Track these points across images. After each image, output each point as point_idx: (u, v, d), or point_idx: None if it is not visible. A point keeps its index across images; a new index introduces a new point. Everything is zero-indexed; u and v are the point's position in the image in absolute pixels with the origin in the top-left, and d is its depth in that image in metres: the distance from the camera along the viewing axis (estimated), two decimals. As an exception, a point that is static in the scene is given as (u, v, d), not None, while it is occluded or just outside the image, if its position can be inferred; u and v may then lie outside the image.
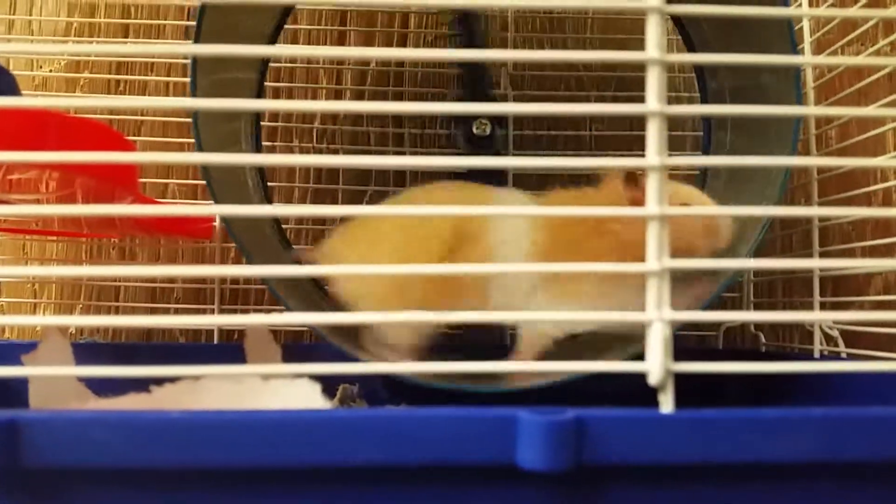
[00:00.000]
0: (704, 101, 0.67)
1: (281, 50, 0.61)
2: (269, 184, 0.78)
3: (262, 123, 0.80)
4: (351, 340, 0.56)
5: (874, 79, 0.61)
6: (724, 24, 0.60)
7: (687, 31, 0.68)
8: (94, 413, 0.29)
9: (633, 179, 0.51)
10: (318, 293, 0.65)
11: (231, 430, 0.28)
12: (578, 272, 0.50)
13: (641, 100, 0.31)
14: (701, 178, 0.66)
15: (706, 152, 0.67)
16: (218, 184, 0.51)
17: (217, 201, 0.51)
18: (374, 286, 0.54)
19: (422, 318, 0.37)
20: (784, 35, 0.50)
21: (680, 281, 0.51)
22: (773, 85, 0.54)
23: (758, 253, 0.51)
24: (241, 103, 0.34)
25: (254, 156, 0.52)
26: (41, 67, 0.83)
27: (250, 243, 0.54)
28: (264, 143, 0.80)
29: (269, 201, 0.67)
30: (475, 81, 0.71)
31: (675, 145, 0.68)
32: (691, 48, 0.66)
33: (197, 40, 0.50)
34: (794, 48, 0.51)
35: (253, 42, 0.61)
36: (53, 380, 0.43)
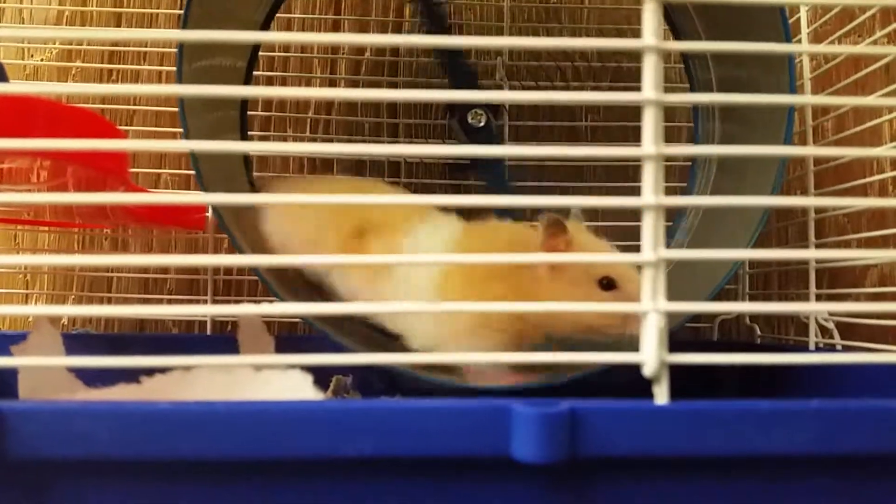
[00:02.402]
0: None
1: (273, 36, 0.60)
2: (261, 174, 0.77)
3: (255, 113, 0.80)
4: (344, 331, 0.56)
5: (871, 70, 0.61)
6: (715, 19, 0.59)
7: (676, 26, 0.67)
8: (79, 404, 0.28)
9: (559, 226, 0.50)
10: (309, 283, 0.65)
11: (221, 422, 0.27)
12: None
13: (637, 90, 0.31)
14: (692, 170, 0.66)
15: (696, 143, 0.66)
16: (207, 177, 0.50)
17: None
18: None
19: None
20: (777, 29, 0.50)
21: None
22: (763, 79, 0.54)
23: (753, 246, 0.51)
24: (233, 90, 0.33)
25: (245, 143, 0.51)
26: (32, 56, 0.82)
27: (239, 229, 0.53)
28: (258, 134, 0.79)
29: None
30: (456, 69, 0.71)
31: (669, 137, 0.68)
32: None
33: (185, 27, 0.49)
34: (788, 41, 0.51)
35: (243, 30, 0.60)
36: (43, 370, 0.43)
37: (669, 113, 0.76)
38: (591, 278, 0.50)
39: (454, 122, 0.71)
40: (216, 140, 0.50)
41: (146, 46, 0.81)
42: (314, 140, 0.80)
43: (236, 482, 0.29)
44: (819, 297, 0.64)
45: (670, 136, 0.76)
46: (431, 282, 0.52)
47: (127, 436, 0.27)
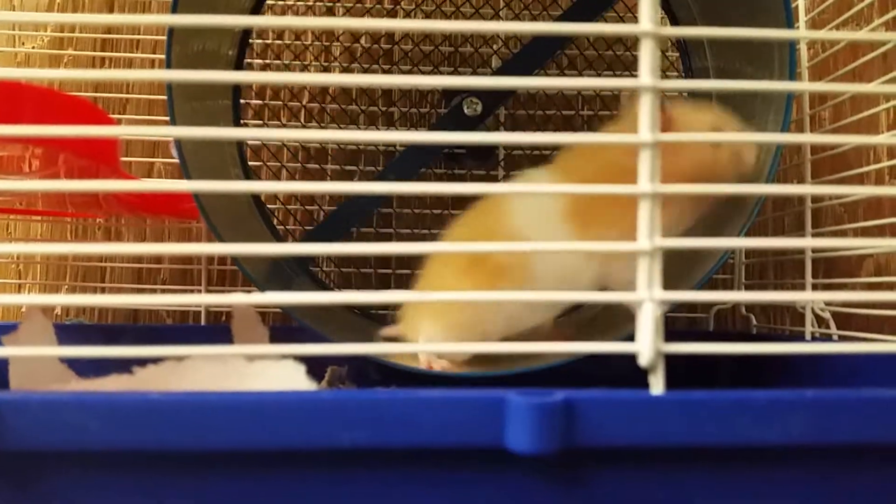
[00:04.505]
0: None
1: (265, 20, 0.60)
2: (255, 164, 0.77)
3: (249, 102, 0.79)
4: (334, 325, 0.56)
5: (869, 58, 0.61)
6: (713, 7, 0.59)
7: (675, 14, 0.67)
8: (69, 394, 0.28)
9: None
10: (304, 278, 0.65)
11: (213, 412, 0.27)
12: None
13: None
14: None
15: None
16: (194, 168, 0.50)
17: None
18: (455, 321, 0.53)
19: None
20: (780, 20, 0.49)
21: None
22: (762, 67, 0.54)
23: (749, 235, 0.51)
24: (225, 75, 0.33)
25: (236, 130, 0.51)
26: (23, 44, 0.82)
27: (226, 225, 0.53)
28: (251, 123, 0.79)
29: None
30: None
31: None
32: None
33: (175, 12, 0.48)
34: (790, 27, 0.50)
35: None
36: (34, 361, 0.43)
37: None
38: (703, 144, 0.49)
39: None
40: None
41: (139, 34, 0.80)
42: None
43: (228, 473, 0.29)
44: (815, 288, 0.64)
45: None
46: (556, 214, 0.51)
47: (118, 426, 0.27)
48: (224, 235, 0.51)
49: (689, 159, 0.48)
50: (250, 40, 0.67)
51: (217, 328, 0.68)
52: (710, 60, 0.64)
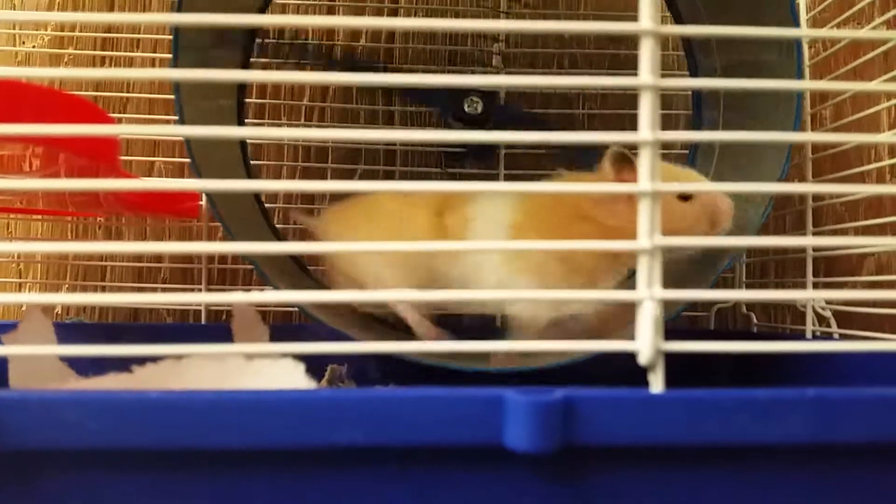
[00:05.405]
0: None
1: (269, 19, 0.60)
2: (256, 162, 0.77)
3: (250, 101, 0.79)
4: (340, 318, 0.56)
5: (870, 57, 0.61)
6: (718, 4, 0.59)
7: (679, 10, 0.67)
8: (67, 393, 0.28)
9: (625, 160, 0.49)
10: (303, 274, 0.64)
11: (211, 411, 0.27)
12: (557, 253, 0.49)
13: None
14: (690, 159, 0.65)
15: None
16: (203, 166, 0.50)
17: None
18: (373, 261, 0.54)
19: (415, 297, 0.36)
20: (785, 17, 0.49)
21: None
22: (769, 64, 0.54)
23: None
24: (226, 74, 0.32)
25: (238, 128, 0.51)
26: (24, 43, 0.82)
27: (236, 224, 0.53)
28: (253, 121, 0.79)
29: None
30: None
31: (666, 125, 0.67)
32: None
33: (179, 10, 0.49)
34: (796, 24, 0.50)
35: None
36: (34, 360, 0.42)
37: (668, 102, 0.76)
38: (670, 195, 0.50)
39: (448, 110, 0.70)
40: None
41: (139, 33, 0.80)
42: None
43: (227, 472, 0.29)
44: (816, 286, 0.64)
45: (668, 124, 0.75)
46: (507, 234, 0.53)
47: (115, 425, 0.27)
48: (235, 234, 0.51)
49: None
50: (255, 40, 0.67)
51: (217, 327, 0.68)
52: (720, 57, 0.63)
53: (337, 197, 0.70)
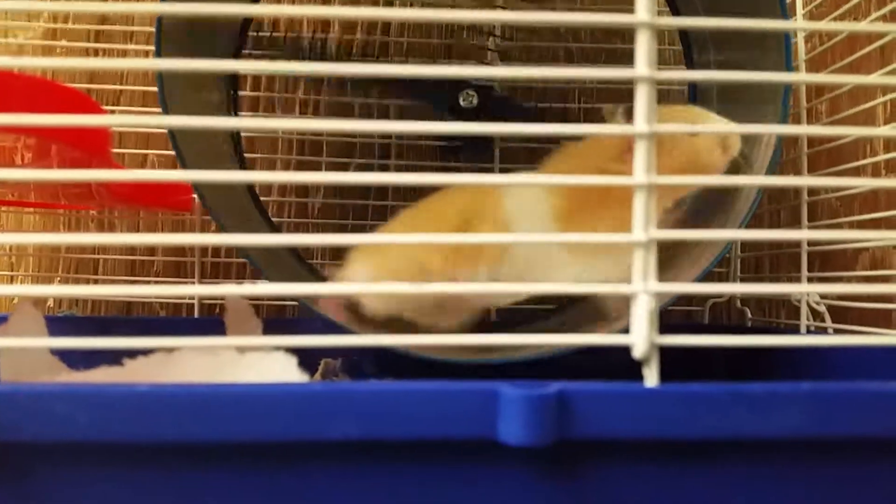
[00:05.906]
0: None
1: (261, 9, 0.59)
2: (249, 155, 0.76)
3: (244, 93, 0.79)
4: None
5: (866, 52, 0.60)
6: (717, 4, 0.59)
7: (679, 10, 0.66)
8: (57, 386, 0.28)
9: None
10: (301, 266, 0.64)
11: (202, 404, 0.27)
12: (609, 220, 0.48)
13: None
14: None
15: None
16: (190, 160, 0.49)
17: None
18: (394, 267, 0.53)
19: (424, 289, 0.36)
20: (775, 12, 0.49)
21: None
22: (761, 61, 0.53)
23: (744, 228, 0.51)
24: (220, 64, 0.32)
25: (230, 119, 0.50)
26: (16, 36, 0.81)
27: (229, 218, 0.53)
28: (247, 114, 0.78)
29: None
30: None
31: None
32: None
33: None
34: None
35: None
36: (25, 353, 0.42)
37: (663, 97, 0.76)
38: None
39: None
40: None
41: (133, 25, 0.80)
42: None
43: (218, 465, 0.28)
44: (811, 281, 0.64)
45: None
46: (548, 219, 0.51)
47: (106, 418, 0.26)
48: (230, 227, 0.51)
49: (673, 157, 0.48)
50: (248, 33, 0.67)
51: (210, 321, 0.68)
52: (714, 55, 0.63)
53: (332, 194, 0.69)
